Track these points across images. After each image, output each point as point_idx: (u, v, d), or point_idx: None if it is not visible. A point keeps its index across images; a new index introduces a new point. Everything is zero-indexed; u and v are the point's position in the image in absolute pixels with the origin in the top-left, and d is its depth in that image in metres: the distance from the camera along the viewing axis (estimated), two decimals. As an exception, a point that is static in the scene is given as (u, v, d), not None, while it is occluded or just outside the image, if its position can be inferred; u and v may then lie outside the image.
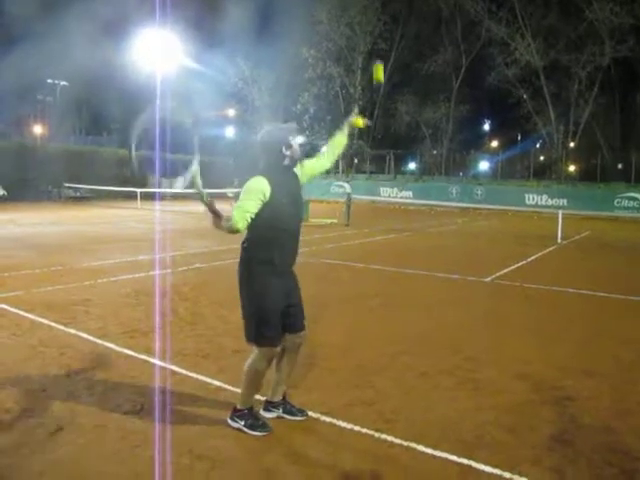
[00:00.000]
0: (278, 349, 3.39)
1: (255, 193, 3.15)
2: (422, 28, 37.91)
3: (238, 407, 3.42)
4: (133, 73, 30.03)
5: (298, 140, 3.34)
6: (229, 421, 3.42)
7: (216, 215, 3.19)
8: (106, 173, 28.01)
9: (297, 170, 3.44)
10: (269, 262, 3.28)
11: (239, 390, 3.54)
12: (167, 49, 27.43)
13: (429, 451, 3.17)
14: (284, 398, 3.61)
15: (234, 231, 3.17)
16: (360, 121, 3.75)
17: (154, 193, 24.87)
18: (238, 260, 3.42)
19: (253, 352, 3.37)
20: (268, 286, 3.28)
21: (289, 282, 3.43)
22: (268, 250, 3.27)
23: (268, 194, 3.17)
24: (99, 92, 34.73)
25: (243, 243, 3.36)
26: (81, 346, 4.86)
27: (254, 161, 3.38)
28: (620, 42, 30.02)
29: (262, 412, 3.56)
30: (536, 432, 3.45)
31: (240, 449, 3.19)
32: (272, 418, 3.53)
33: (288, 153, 3.30)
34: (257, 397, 3.60)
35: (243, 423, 3.37)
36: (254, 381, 3.39)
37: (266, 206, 3.18)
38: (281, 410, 3.57)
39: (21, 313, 5.82)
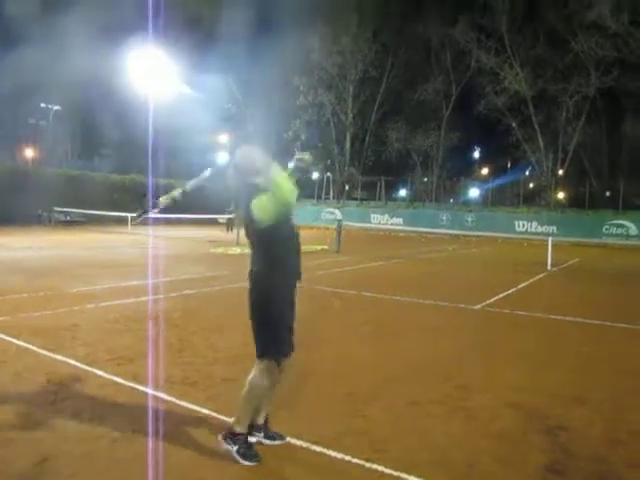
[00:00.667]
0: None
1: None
2: (412, 57, 38.55)
3: (237, 430, 3.34)
4: (126, 98, 30.22)
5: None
6: (222, 441, 3.34)
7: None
8: (97, 198, 27.98)
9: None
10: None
11: (227, 418, 3.49)
12: (161, 73, 27.63)
13: (420, 481, 3.13)
14: (265, 422, 3.57)
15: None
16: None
17: (146, 218, 24.85)
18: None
19: (257, 367, 3.35)
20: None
21: None
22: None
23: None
24: (92, 116, 34.94)
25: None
26: (68, 372, 4.79)
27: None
28: (605, 73, 30.72)
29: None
30: (528, 462, 3.42)
31: (230, 479, 3.14)
32: (252, 442, 3.45)
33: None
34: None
35: (236, 448, 3.30)
36: (257, 399, 3.38)
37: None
38: (262, 434, 3.53)
39: (7, 338, 5.73)
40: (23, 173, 27.29)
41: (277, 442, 3.53)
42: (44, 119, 42.94)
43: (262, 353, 3.34)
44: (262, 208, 3.24)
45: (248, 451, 3.32)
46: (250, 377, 3.35)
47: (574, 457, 3.52)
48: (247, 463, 3.27)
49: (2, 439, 3.48)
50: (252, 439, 3.45)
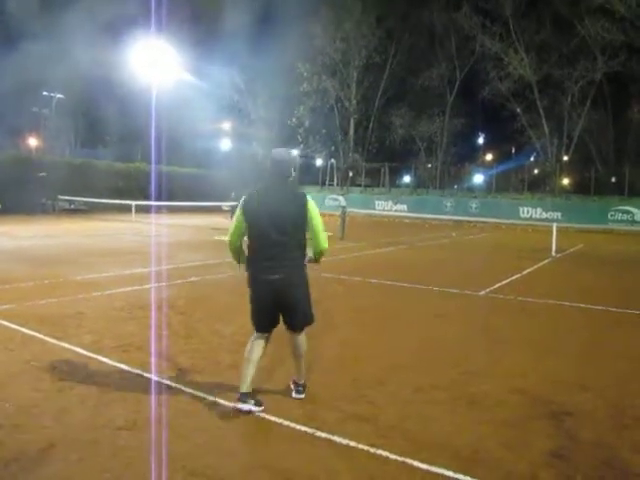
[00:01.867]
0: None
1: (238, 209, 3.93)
2: (416, 43, 38.22)
3: (304, 382, 4.14)
4: (129, 86, 30.13)
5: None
6: (295, 395, 4.08)
7: None
8: (101, 186, 27.99)
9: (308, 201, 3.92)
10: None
11: (233, 404, 3.55)
12: (163, 62, 27.52)
13: (425, 467, 3.14)
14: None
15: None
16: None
17: (149, 206, 24.90)
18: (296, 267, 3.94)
19: (303, 334, 4.06)
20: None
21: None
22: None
23: (242, 210, 3.89)
24: (95, 105, 34.83)
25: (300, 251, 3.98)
26: (74, 360, 4.82)
27: (251, 174, 3.62)
28: (612, 58, 30.40)
29: (240, 405, 3.77)
30: (533, 447, 3.43)
31: (235, 466, 3.16)
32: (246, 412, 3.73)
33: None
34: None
35: (303, 396, 4.07)
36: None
37: (246, 219, 3.90)
38: (253, 402, 3.80)
39: (13, 327, 5.77)
40: (27, 161, 27.29)
41: (260, 408, 3.83)
42: (47, 107, 42.84)
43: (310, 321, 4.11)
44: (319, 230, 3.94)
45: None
46: (303, 342, 4.08)
47: (579, 442, 3.53)
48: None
49: (9, 425, 3.51)
50: (243, 406, 3.80)
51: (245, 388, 3.83)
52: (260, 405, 3.82)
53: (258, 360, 3.93)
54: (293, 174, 3.96)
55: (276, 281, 3.83)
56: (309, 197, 3.91)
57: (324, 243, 3.98)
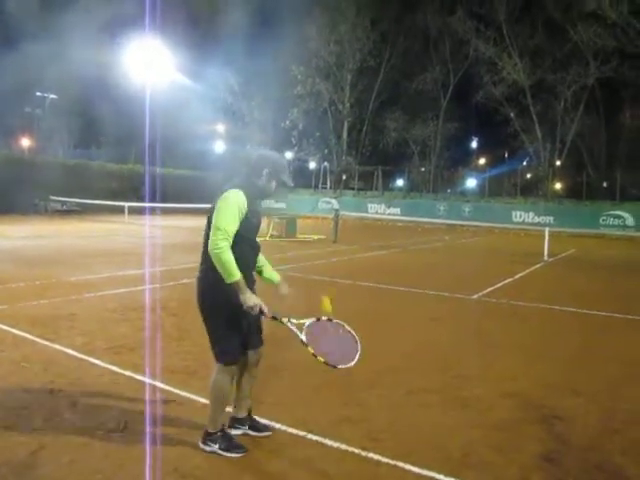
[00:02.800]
0: (237, 366, 3.38)
1: (237, 209, 3.14)
2: (411, 46, 38.34)
3: (210, 430, 3.34)
4: (123, 87, 30.05)
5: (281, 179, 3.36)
6: (202, 446, 3.34)
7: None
8: (95, 187, 27.90)
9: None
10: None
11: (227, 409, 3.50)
12: (158, 63, 27.47)
13: (416, 470, 3.15)
14: (249, 414, 3.59)
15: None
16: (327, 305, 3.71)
17: (143, 207, 24.83)
18: (198, 275, 3.38)
19: (215, 369, 3.33)
20: (231, 302, 3.19)
21: None
22: (239, 265, 3.17)
23: (244, 210, 3.17)
24: (89, 105, 34.69)
25: (204, 254, 3.30)
26: (65, 362, 4.80)
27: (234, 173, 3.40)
28: (604, 63, 30.62)
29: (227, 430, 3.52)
30: (524, 451, 3.45)
31: (226, 468, 3.15)
32: (240, 435, 3.49)
33: (273, 184, 3.34)
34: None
35: (217, 446, 3.31)
36: (220, 399, 3.33)
37: (242, 222, 3.17)
38: (247, 426, 3.56)
39: (4, 328, 5.73)
40: (19, 162, 27.16)
41: (263, 434, 3.55)
42: (40, 108, 42.67)
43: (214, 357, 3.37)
44: None
45: (230, 444, 3.33)
46: (211, 381, 3.34)
47: (569, 446, 3.54)
48: (233, 455, 3.28)
49: (2, 427, 3.49)
50: (236, 432, 3.50)
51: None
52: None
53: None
54: (272, 185, 3.34)
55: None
56: (232, 191, 3.19)
57: (212, 243, 3.09)
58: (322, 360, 3.08)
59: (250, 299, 3.10)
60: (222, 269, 3.08)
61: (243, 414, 3.57)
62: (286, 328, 3.22)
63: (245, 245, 3.25)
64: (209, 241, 3.12)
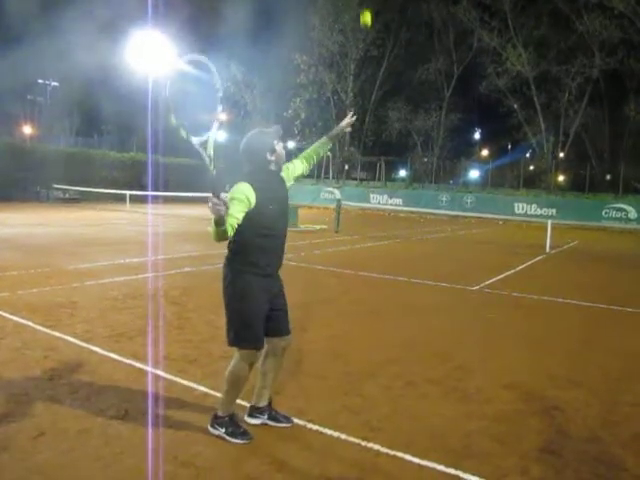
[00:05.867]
0: (260, 353, 3.35)
1: (240, 199, 3.08)
2: (414, 36, 38.15)
3: (219, 414, 3.36)
4: (125, 75, 29.91)
5: (282, 144, 3.33)
6: (210, 428, 3.36)
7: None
8: (97, 175, 27.85)
9: (283, 173, 3.41)
10: (253, 265, 3.23)
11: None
12: (160, 51, 27.33)
13: (416, 460, 3.15)
14: (269, 404, 3.57)
15: (220, 239, 3.05)
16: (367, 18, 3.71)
17: (145, 196, 24.80)
18: (223, 262, 3.36)
19: (234, 356, 3.34)
20: (251, 289, 3.23)
21: (274, 286, 3.39)
22: (253, 254, 3.22)
23: (253, 200, 3.12)
24: (90, 93, 34.58)
25: (229, 244, 3.30)
26: (66, 349, 4.80)
27: (239, 166, 3.34)
28: (609, 55, 30.40)
29: (247, 418, 3.52)
30: (524, 442, 3.44)
31: (225, 456, 3.15)
32: (257, 425, 3.49)
33: (273, 158, 3.28)
34: (242, 403, 3.57)
35: (224, 431, 3.32)
36: (235, 386, 3.33)
37: (252, 212, 3.12)
38: (266, 416, 3.53)
39: (5, 315, 5.74)
40: (21, 150, 27.11)
41: (282, 424, 3.52)
42: (42, 96, 42.54)
43: (229, 342, 3.38)
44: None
45: (236, 430, 3.33)
46: (229, 366, 3.35)
47: (570, 438, 3.54)
48: (237, 441, 3.28)
49: (1, 414, 3.50)
50: (255, 421, 3.50)
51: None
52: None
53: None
54: (272, 159, 3.29)
55: (276, 280, 3.47)
56: (235, 185, 3.17)
57: None
58: None
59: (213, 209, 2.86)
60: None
61: (263, 403, 3.54)
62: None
63: (260, 235, 3.21)
64: None
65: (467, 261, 12.58)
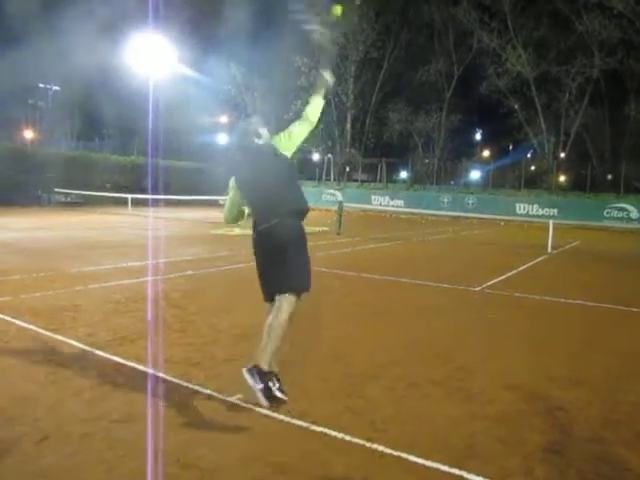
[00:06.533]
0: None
1: (230, 188, 3.90)
2: (415, 38, 38.20)
3: (264, 368, 3.36)
4: (126, 78, 29.99)
5: (266, 128, 3.86)
6: (246, 374, 3.37)
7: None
8: (98, 179, 27.90)
9: (277, 143, 3.79)
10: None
11: (229, 398, 3.51)
12: (161, 55, 27.39)
13: (420, 461, 3.15)
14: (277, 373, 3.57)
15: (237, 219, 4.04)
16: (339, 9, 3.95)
17: (146, 199, 24.84)
18: (271, 225, 3.67)
19: (280, 307, 3.46)
20: (304, 238, 3.87)
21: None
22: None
23: (232, 181, 3.86)
24: (91, 97, 34.66)
25: (271, 210, 3.71)
26: (69, 353, 4.81)
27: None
28: (609, 55, 30.41)
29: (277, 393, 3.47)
30: (527, 442, 3.44)
31: (228, 458, 3.15)
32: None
33: (260, 142, 3.78)
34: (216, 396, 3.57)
35: (262, 386, 3.32)
36: (282, 336, 3.45)
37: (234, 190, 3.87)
38: (277, 385, 3.46)
39: (8, 319, 5.75)
40: (22, 154, 27.16)
41: (285, 397, 3.45)
42: (43, 100, 42.63)
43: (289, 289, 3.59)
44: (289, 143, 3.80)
45: (270, 392, 3.33)
46: (276, 318, 3.45)
47: (572, 437, 3.54)
48: (266, 403, 3.32)
49: (3, 417, 3.50)
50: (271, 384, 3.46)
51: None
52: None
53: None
54: (259, 142, 3.86)
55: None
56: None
57: None
58: None
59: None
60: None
61: (277, 368, 3.56)
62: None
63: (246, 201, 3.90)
64: None
65: (469, 262, 12.58)
